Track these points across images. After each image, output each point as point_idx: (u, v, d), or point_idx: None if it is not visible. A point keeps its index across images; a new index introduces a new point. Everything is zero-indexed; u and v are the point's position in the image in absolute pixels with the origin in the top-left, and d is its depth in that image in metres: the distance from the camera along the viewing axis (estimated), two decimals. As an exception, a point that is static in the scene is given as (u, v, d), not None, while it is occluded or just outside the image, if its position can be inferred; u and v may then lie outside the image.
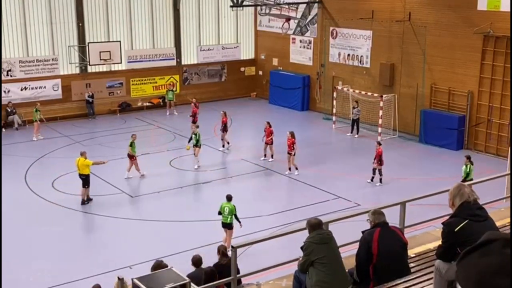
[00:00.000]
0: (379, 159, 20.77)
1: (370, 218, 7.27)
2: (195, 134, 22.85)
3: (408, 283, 6.86)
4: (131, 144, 21.30)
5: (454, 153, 24.85)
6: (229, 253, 15.07)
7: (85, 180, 19.01)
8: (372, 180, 21.00)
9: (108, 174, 21.44)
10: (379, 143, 21.37)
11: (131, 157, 21.33)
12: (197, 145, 22.73)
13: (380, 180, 20.88)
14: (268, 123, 23.63)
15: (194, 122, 27.04)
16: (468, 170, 18.79)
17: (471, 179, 17.64)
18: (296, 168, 21.95)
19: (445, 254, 6.04)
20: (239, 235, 16.03)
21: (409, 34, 26.73)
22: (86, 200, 19.09)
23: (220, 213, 15.82)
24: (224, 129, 25.00)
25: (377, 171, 20.87)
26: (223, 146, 25.06)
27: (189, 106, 29.09)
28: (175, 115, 31.07)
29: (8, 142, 25.74)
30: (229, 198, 15.95)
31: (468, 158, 19.26)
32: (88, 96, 30.27)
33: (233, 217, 15.72)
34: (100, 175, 21.47)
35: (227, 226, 15.82)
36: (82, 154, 19.25)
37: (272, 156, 23.55)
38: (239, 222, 15.82)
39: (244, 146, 25.22)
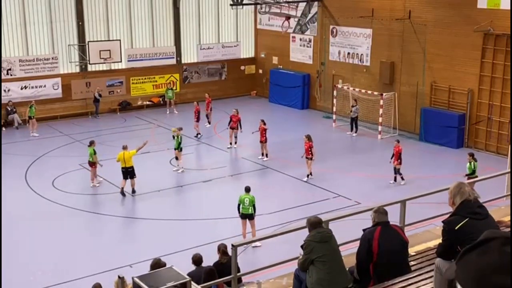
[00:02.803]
0: (398, 158, 20.48)
1: (372, 216, 7.28)
2: (177, 137, 22.06)
3: (409, 281, 6.87)
4: (95, 152, 20.54)
5: (454, 151, 24.85)
6: (258, 244, 15.38)
7: (132, 172, 19.68)
8: (395, 180, 20.68)
9: (108, 173, 21.45)
10: (398, 141, 21.06)
11: (93, 164, 20.56)
12: (178, 148, 22.05)
13: (402, 178, 20.58)
14: (262, 120, 23.52)
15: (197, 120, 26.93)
16: (473, 167, 18.92)
17: (476, 176, 17.74)
18: (311, 173, 21.23)
19: (445, 252, 6.04)
20: (239, 233, 16.05)
21: (409, 32, 26.71)
22: (132, 191, 19.76)
23: (239, 206, 16.00)
24: (238, 126, 24.69)
25: (396, 170, 20.61)
26: (236, 143, 24.86)
27: (191, 105, 29.01)
28: (175, 113, 31.05)
29: (8, 141, 25.75)
30: (247, 189, 16.19)
31: (471, 155, 19.40)
32: (99, 95, 30.25)
33: (253, 207, 15.95)
34: (101, 174, 21.48)
35: (248, 217, 16.01)
36: (125, 147, 19.81)
37: (266, 155, 23.44)
38: (254, 212, 16.05)
39: (244, 144, 25.20)
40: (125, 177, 19.78)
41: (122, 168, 19.75)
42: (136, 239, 16.78)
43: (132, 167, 19.73)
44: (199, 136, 26.66)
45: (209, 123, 28.41)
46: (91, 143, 20.89)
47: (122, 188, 19.73)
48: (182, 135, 22.54)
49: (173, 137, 22.33)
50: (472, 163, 18.99)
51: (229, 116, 25.09)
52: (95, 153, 20.58)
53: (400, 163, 20.53)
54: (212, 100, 28.79)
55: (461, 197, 5.92)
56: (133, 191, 19.83)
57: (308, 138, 21.26)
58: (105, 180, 21.07)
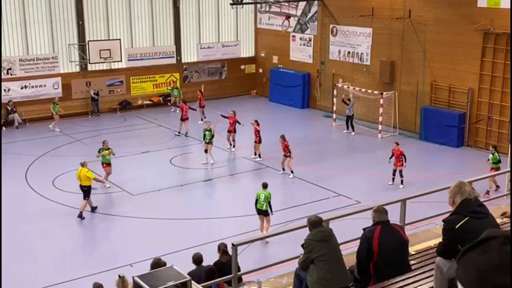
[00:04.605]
0: (399, 160, 20.27)
1: (372, 216, 7.28)
2: (209, 131, 22.85)
3: (409, 280, 6.87)
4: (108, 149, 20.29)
5: (454, 150, 24.86)
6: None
7: (87, 191, 18.01)
8: (393, 181, 20.48)
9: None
10: (397, 143, 20.81)
11: (109, 164, 20.33)
12: (211, 141, 22.83)
13: (401, 182, 20.29)
14: (256, 121, 23.49)
15: (182, 119, 26.85)
16: (497, 157, 19.41)
17: (499, 168, 18.62)
18: (292, 172, 21.30)
19: (446, 251, 6.03)
20: (240, 233, 16.05)
21: (409, 31, 26.71)
22: (92, 209, 18.31)
23: (256, 202, 16.19)
24: (234, 129, 24.53)
25: (397, 172, 20.37)
26: (234, 146, 24.59)
27: (191, 104, 29.03)
28: (176, 112, 30.98)
29: (9, 141, 25.75)
30: (264, 185, 16.46)
31: (494, 147, 19.97)
32: (94, 94, 30.34)
33: (268, 204, 16.14)
34: (101, 174, 21.49)
35: (263, 213, 16.21)
36: (83, 164, 18.16)
37: (258, 155, 23.33)
38: (271, 210, 16.22)
39: (244, 144, 25.17)
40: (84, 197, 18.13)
41: (80, 185, 18.23)
42: (136, 238, 16.77)
43: (87, 187, 17.97)
44: (180, 134, 26.81)
45: (204, 117, 28.93)
46: (103, 143, 20.53)
47: (92, 207, 18.41)
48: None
49: (205, 131, 22.90)
50: (495, 154, 19.42)
51: (227, 117, 24.91)
52: (102, 150, 20.24)
53: (402, 164, 20.35)
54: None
55: (461, 196, 5.92)
56: (93, 208, 18.36)
57: (283, 138, 21.37)
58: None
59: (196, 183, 21.14)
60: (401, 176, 20.36)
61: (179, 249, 15.06)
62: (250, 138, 24.23)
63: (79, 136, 26.96)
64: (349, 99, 27.49)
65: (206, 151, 22.93)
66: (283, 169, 21.62)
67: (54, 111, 27.96)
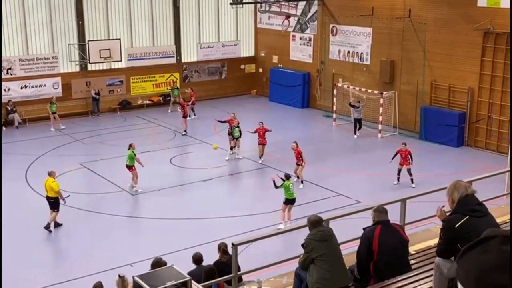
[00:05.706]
0: (406, 159, 20.26)
1: (372, 215, 7.28)
2: (238, 127, 23.29)
3: (409, 280, 6.87)
4: (135, 154, 20.06)
5: (454, 150, 24.86)
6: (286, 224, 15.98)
7: (54, 203, 17.01)
8: (398, 180, 20.43)
9: (108, 172, 21.47)
10: (405, 144, 20.74)
11: (131, 167, 20.02)
12: (239, 138, 23.39)
13: (412, 181, 20.20)
14: (261, 123, 23.40)
15: (184, 116, 27.05)
16: None
17: None
18: (302, 182, 20.61)
19: (445, 251, 6.02)
20: (240, 233, 16.05)
21: (409, 31, 26.71)
22: (55, 225, 17.15)
23: (277, 187, 17.08)
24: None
25: (404, 171, 20.28)
26: (234, 147, 24.31)
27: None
28: (179, 111, 30.91)
29: (9, 141, 25.75)
30: (288, 176, 17.22)
31: None
32: (95, 93, 30.36)
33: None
34: (101, 173, 21.50)
35: (291, 202, 17.15)
36: (51, 174, 17.21)
37: (261, 157, 23.26)
38: None
39: (244, 144, 25.17)
40: (50, 208, 17.15)
41: (46, 196, 17.37)
42: (137, 238, 16.78)
43: (53, 199, 17.01)
44: (186, 132, 26.89)
45: (195, 114, 29.57)
46: (130, 146, 20.24)
47: (56, 222, 17.27)
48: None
49: (233, 128, 23.40)
50: None
51: (227, 120, 24.76)
52: (135, 155, 20.02)
53: (409, 164, 20.30)
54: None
55: (458, 192, 5.87)
56: (48, 226, 17.06)
57: (297, 144, 20.79)
58: (105, 179, 21.06)
59: (196, 183, 21.14)
60: (411, 175, 20.31)
61: (179, 249, 15.06)
62: (250, 138, 24.26)
63: (79, 136, 26.96)
64: (358, 101, 27.27)
65: (232, 148, 23.47)
66: (302, 181, 20.79)
67: (51, 111, 28.00)
